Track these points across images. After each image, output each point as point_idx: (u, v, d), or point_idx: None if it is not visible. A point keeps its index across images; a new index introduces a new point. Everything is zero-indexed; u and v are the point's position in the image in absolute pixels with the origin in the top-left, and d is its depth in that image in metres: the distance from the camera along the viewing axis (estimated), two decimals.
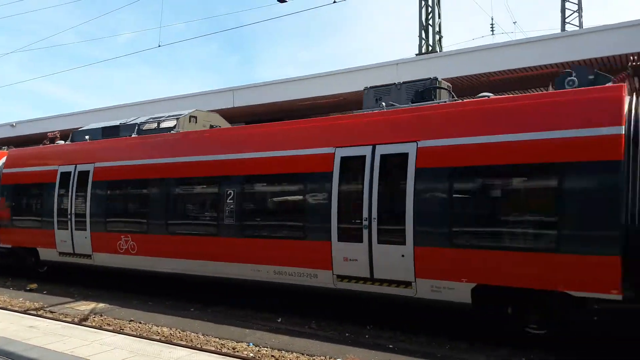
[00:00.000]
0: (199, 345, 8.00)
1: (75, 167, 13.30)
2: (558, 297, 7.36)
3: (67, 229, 13.26)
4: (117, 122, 14.02)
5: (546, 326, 7.83)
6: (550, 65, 14.70)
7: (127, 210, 12.56)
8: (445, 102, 9.23)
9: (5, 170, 15.28)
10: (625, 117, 7.07)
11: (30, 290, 13.02)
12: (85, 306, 11.08)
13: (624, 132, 6.94)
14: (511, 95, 8.93)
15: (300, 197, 9.79)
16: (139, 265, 12.08)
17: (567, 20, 26.20)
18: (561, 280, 7.24)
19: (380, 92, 10.08)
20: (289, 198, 10.21)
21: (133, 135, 13.01)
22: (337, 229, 9.16)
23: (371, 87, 10.30)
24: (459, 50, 16.47)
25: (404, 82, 9.86)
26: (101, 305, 11.12)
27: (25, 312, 10.27)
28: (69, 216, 13.21)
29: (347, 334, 8.72)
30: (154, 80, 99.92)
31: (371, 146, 9.01)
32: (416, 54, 18.55)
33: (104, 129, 14.00)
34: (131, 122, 13.56)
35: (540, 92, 8.62)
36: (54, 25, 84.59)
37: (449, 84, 10.19)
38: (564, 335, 7.84)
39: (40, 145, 16.09)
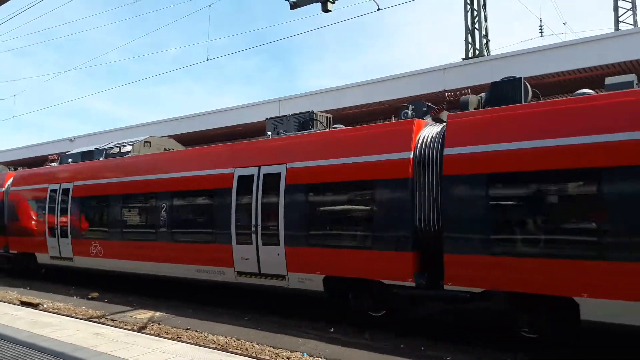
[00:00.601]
0: (254, 354, 8.13)
1: (60, 185, 16.03)
2: (376, 285, 9.38)
3: (55, 236, 15.93)
4: (92, 147, 16.81)
5: (381, 309, 9.80)
6: (605, 66, 14.18)
7: (95, 220, 15.15)
8: (315, 131, 11.29)
9: (12, 189, 18.23)
10: (414, 144, 9.06)
11: (92, 299, 13.61)
12: (143, 315, 11.47)
13: (412, 157, 8.96)
14: (350, 127, 10.86)
15: (210, 208, 12.04)
16: (104, 266, 14.65)
17: (620, 19, 25.17)
18: (376, 272, 9.29)
19: (276, 122, 12.28)
20: (203, 209, 12.48)
21: (101, 159, 15.71)
22: (236, 234, 11.32)
23: (270, 118, 12.59)
24: (507, 53, 16.13)
25: (291, 115, 12.11)
26: (158, 314, 11.48)
27: (88, 319, 10.71)
28: (56, 225, 15.88)
29: (402, 346, 8.61)
30: (201, 93, 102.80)
31: (257, 167, 11.15)
32: (463, 59, 18.27)
33: (82, 153, 16.77)
34: (102, 147, 16.23)
35: (368, 125, 10.53)
36: (105, 43, 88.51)
37: (329, 115, 12.34)
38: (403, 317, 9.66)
39: (44, 166, 18.64)
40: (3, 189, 18.72)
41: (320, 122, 11.83)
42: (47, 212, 16.27)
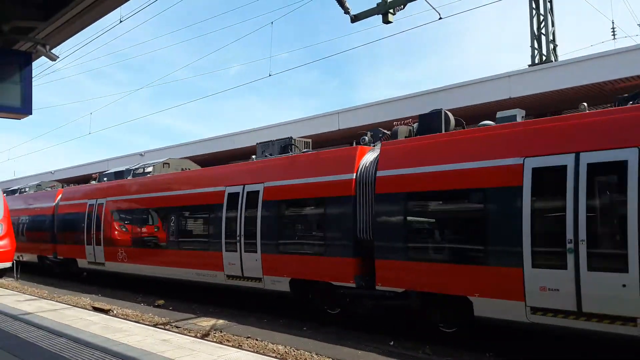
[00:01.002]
0: None
1: (96, 200, 18.76)
2: (328, 286, 11.02)
3: (91, 244, 18.62)
4: (123, 168, 19.49)
5: (336, 307, 11.41)
6: None
7: (120, 230, 17.68)
8: (289, 155, 13.01)
9: (60, 203, 21.18)
10: (357, 167, 10.77)
11: (158, 306, 14.09)
12: (206, 322, 11.72)
13: (354, 177, 10.68)
14: (312, 152, 12.64)
15: (207, 220, 14.13)
16: (127, 270, 17.03)
17: None
18: (327, 274, 10.97)
19: (264, 146, 14.00)
20: (202, 221, 14.63)
21: (128, 178, 18.21)
22: (225, 243, 13.21)
23: (259, 143, 14.27)
24: (577, 58, 15.35)
25: (276, 140, 13.79)
26: (220, 322, 11.70)
27: (154, 326, 11.06)
28: (92, 235, 18.53)
29: None
30: (261, 108, 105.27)
31: (242, 186, 13.05)
32: (529, 65, 17.58)
33: (115, 172, 19.52)
34: (130, 168, 18.80)
35: (325, 150, 12.33)
36: (172, 62, 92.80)
37: (308, 140, 13.89)
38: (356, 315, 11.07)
39: (88, 184, 21.72)
40: (54, 204, 21.63)
41: (297, 147, 13.44)
42: (85, 223, 18.95)
